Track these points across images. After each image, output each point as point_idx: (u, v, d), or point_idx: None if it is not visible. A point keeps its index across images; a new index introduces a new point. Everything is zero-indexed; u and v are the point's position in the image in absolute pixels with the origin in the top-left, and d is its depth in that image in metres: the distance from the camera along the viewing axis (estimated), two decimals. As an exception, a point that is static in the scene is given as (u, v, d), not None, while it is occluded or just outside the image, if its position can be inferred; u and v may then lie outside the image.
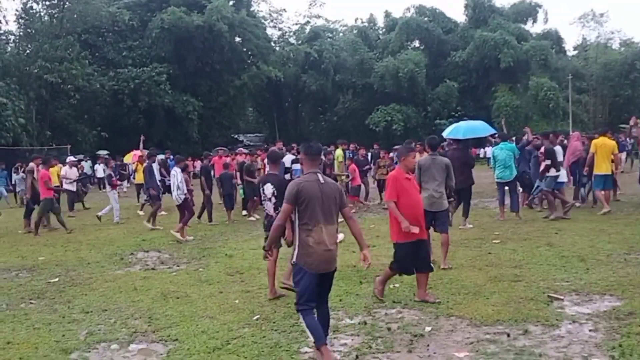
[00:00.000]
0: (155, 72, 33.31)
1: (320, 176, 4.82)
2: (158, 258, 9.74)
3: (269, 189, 6.91)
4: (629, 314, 5.50)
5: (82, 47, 33.25)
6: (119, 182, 15.53)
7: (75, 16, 33.97)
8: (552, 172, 11.85)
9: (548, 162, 11.86)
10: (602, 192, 12.27)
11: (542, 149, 12.05)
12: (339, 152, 16.51)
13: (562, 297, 6.22)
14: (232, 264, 8.90)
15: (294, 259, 4.80)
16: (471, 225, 11.19)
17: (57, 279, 8.31)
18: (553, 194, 12.03)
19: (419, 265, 6.30)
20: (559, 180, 12.16)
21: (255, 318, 6.03)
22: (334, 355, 4.77)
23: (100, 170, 21.40)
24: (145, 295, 7.13)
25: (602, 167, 12.03)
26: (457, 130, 12.91)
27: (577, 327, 5.33)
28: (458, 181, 11.05)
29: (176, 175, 11.67)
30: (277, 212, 6.50)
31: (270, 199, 6.92)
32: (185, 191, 11.76)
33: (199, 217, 13.65)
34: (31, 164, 14.56)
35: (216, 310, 6.40)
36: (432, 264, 6.51)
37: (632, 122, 13.77)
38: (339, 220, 4.87)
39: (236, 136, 44.26)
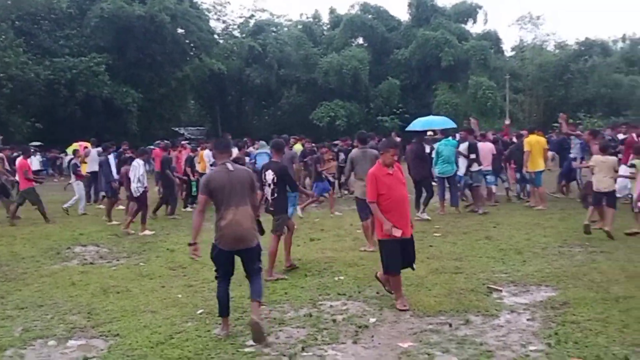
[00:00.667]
0: (93, 62, 32.25)
1: (229, 165, 5.35)
2: (97, 252, 9.46)
3: (269, 175, 7.37)
4: (563, 303, 5.72)
5: (16, 35, 31.84)
6: (83, 173, 14.96)
7: (9, 2, 32.53)
8: (475, 166, 12.32)
9: (473, 156, 12.32)
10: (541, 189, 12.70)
11: (467, 145, 12.46)
12: (297, 146, 16.53)
13: (500, 289, 6.42)
14: (174, 258, 8.74)
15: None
16: (428, 217, 11.48)
17: (-11, 274, 7.97)
18: (473, 188, 12.55)
19: (404, 265, 6.03)
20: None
21: (199, 312, 5.96)
22: (229, 328, 5.33)
23: (35, 163, 20.51)
24: (83, 290, 6.91)
25: (539, 164, 12.44)
26: (417, 123, 14.06)
27: (515, 317, 5.51)
28: (414, 173, 11.61)
29: (138, 167, 11.38)
30: (273, 197, 7.32)
31: (269, 185, 7.37)
32: (146, 184, 11.51)
33: (155, 211, 13.23)
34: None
35: (158, 304, 6.29)
36: (414, 265, 6.20)
37: (560, 120, 14.32)
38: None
39: (177, 129, 43.50)
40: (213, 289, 6.72)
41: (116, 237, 10.74)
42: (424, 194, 11.82)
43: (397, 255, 5.89)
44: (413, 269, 6.21)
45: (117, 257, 8.98)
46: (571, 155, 13.51)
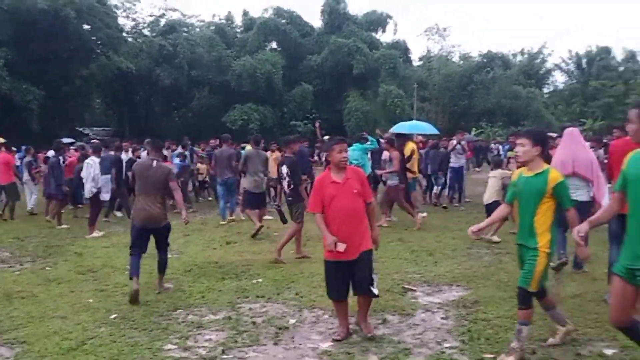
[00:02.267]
0: (-9, 56, 30.40)
1: (154, 162, 6.64)
2: (-3, 256, 8.93)
3: (284, 169, 8.48)
4: (474, 302, 5.99)
5: None
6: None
7: None
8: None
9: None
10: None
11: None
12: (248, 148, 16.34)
13: (415, 288, 6.64)
14: (83, 262, 8.40)
15: None
16: (396, 218, 11.83)
17: None
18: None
19: (355, 287, 5.09)
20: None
21: (112, 317, 5.76)
22: (138, 287, 6.24)
23: None
24: (-16, 296, 6.50)
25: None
26: (402, 126, 15.50)
27: (430, 316, 5.71)
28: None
29: (93, 166, 10.85)
30: (290, 188, 8.39)
31: (285, 178, 8.47)
32: (99, 184, 11.01)
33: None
34: None
35: (68, 310, 6.02)
36: (372, 289, 5.03)
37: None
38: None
39: (82, 129, 41.66)
40: (126, 293, 6.57)
41: (18, 241, 10.18)
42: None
43: (334, 279, 5.10)
44: (373, 295, 5.07)
45: (21, 262, 8.50)
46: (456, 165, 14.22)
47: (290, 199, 8.50)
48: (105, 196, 11.94)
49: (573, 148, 6.92)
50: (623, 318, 3.79)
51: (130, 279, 6.34)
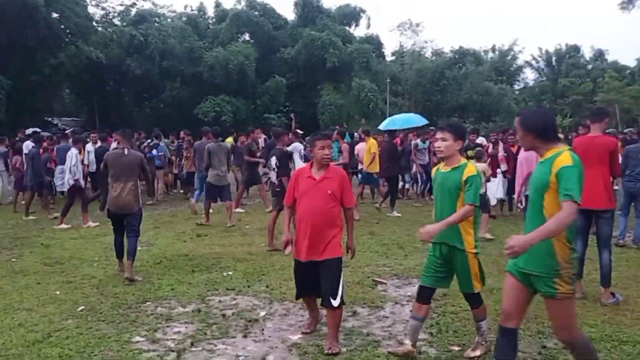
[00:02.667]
0: (-46, 44, 29.64)
1: (125, 150, 7.08)
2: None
3: (273, 160, 8.69)
4: (443, 295, 6.04)
5: None
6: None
7: None
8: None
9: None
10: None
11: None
12: (229, 140, 16.27)
13: (385, 281, 6.68)
14: (49, 254, 8.27)
15: None
16: (398, 214, 11.75)
17: None
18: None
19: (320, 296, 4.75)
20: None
21: (79, 309, 5.68)
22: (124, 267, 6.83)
23: None
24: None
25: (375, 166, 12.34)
26: (394, 122, 15.49)
27: (399, 308, 5.76)
28: (384, 169, 12.10)
29: (71, 157, 10.69)
30: (278, 179, 8.55)
31: (274, 169, 8.67)
32: (77, 175, 10.81)
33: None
34: None
35: (34, 302, 5.92)
36: (331, 300, 4.59)
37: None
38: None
39: (50, 119, 40.87)
40: (94, 285, 6.51)
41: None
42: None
43: (296, 276, 4.93)
44: (329, 305, 4.60)
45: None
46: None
47: (278, 190, 8.55)
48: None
49: None
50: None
51: (117, 258, 7.20)
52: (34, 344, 4.74)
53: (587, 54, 59.29)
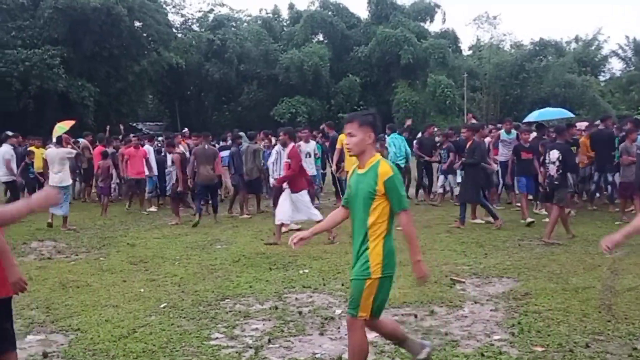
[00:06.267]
0: (47, 54, 31.23)
1: (206, 146, 11.34)
2: (54, 247, 9.21)
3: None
4: (525, 294, 5.84)
5: (-36, 25, 30.80)
6: None
7: (-43, -8, 31.40)
8: None
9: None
10: None
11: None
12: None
13: (463, 280, 6.52)
14: (134, 253, 8.59)
15: None
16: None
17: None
18: None
19: None
20: None
21: (162, 306, 5.86)
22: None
23: None
24: (42, 285, 6.71)
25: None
26: (542, 115, 16.09)
27: (478, 308, 5.60)
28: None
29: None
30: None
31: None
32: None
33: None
34: None
35: (120, 299, 6.16)
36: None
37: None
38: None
39: (135, 124, 42.68)
40: (175, 283, 6.71)
41: (74, 233, 10.48)
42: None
43: None
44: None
45: (76, 252, 8.76)
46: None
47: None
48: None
49: None
50: None
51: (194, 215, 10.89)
52: (120, 339, 4.93)
53: (680, 40, 55.70)
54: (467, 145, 10.26)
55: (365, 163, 3.69)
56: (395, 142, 13.11)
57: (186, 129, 20.72)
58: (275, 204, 10.16)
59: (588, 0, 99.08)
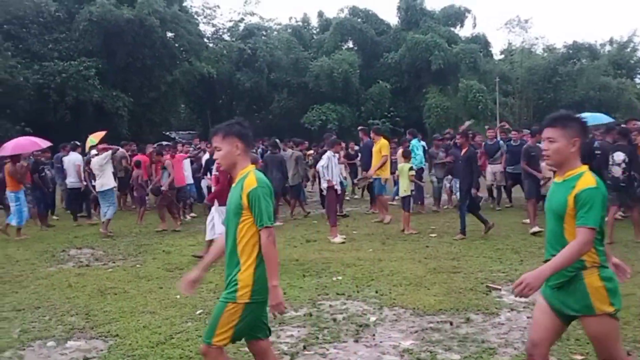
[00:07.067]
0: (83, 66, 31.98)
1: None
2: (92, 255, 9.40)
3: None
4: (562, 301, 5.74)
5: (4, 39, 31.53)
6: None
7: (-4, 6, 32.34)
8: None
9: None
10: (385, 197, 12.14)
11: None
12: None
13: (499, 287, 6.44)
14: (170, 260, 8.71)
15: None
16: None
17: (-17, 278, 7.89)
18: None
19: None
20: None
21: (198, 312, 5.93)
22: None
23: None
24: (80, 292, 6.86)
25: (386, 171, 11.79)
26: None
27: (515, 315, 5.53)
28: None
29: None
30: None
31: None
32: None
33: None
34: None
35: (157, 305, 6.25)
36: None
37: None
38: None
39: (168, 133, 43.30)
40: (210, 290, 6.77)
41: (111, 240, 10.67)
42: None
43: None
44: None
45: (113, 259, 8.92)
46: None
47: None
48: None
49: None
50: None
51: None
52: (157, 345, 5.00)
53: None
54: (462, 153, 10.11)
55: (236, 176, 3.41)
56: (415, 148, 13.02)
57: None
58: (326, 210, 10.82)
59: (622, 2, 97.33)
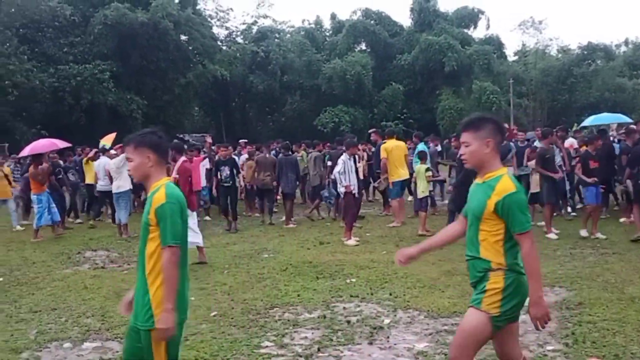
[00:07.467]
0: (98, 69, 32.29)
1: (266, 154, 12.37)
2: (107, 257, 9.48)
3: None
4: (578, 304, 5.71)
5: (20, 42, 31.93)
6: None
7: (12, 10, 32.62)
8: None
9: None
10: (398, 201, 11.69)
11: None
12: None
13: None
14: (184, 262, 8.74)
15: None
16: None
17: (0, 279, 7.97)
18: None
19: None
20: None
21: (212, 314, 5.95)
22: None
23: None
24: (96, 294, 6.92)
25: (399, 173, 11.43)
26: (599, 119, 16.70)
27: (529, 317, 5.48)
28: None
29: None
30: None
31: None
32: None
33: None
34: None
35: (172, 307, 6.27)
36: None
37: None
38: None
39: (182, 135, 43.53)
40: (225, 292, 6.80)
41: (126, 242, 10.74)
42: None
43: None
44: None
45: (128, 262, 8.97)
46: None
47: None
48: None
49: None
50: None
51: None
52: (173, 347, 5.03)
53: None
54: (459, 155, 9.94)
55: (149, 189, 3.15)
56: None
57: (243, 140, 21.37)
58: (343, 213, 10.77)
59: (638, 2, 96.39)
